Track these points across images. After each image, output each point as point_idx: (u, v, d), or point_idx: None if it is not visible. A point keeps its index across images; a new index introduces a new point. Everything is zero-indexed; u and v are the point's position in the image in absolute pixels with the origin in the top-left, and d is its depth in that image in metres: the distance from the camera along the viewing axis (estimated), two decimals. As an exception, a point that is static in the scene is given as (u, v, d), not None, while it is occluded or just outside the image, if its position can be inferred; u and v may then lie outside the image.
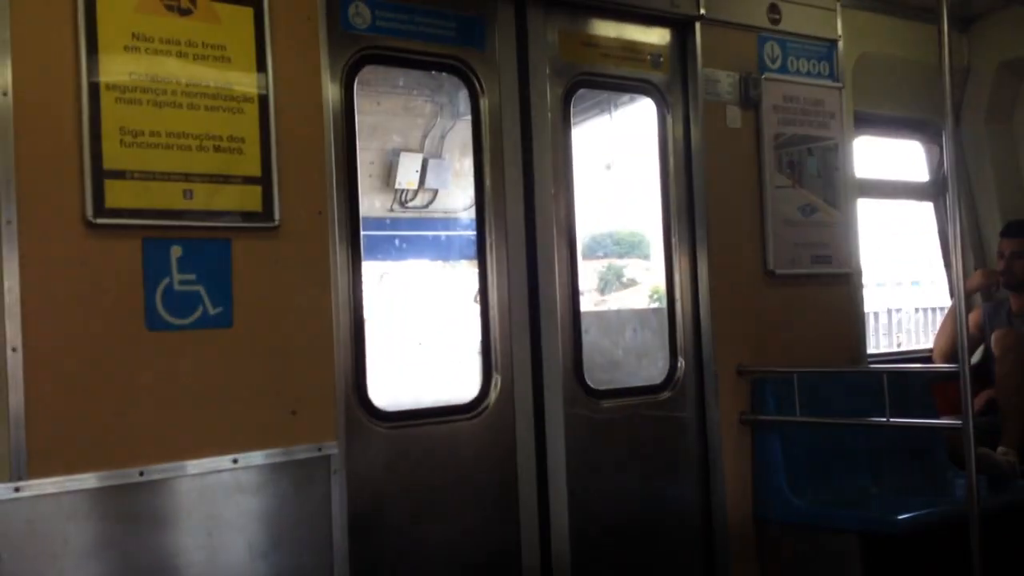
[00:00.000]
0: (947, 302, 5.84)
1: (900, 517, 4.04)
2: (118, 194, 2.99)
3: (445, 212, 10.34)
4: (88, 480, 2.89)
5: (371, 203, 8.23)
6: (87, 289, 2.94)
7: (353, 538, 3.38)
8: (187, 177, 3.12)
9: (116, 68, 3.02)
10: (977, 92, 5.69)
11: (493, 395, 3.91)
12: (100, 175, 2.96)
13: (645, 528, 4.28)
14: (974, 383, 3.63)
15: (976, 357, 5.44)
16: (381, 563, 3.59)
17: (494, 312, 3.95)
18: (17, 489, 2.79)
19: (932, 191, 5.96)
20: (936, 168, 5.91)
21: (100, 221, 2.95)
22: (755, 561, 4.43)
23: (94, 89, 2.98)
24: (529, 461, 3.95)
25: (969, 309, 5.21)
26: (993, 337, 5.01)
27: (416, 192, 9.95)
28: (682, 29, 4.51)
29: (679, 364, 4.43)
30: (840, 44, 4.99)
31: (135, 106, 3.05)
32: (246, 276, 3.21)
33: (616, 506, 4.20)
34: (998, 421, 4.80)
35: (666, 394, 4.40)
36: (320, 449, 3.31)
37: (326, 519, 3.30)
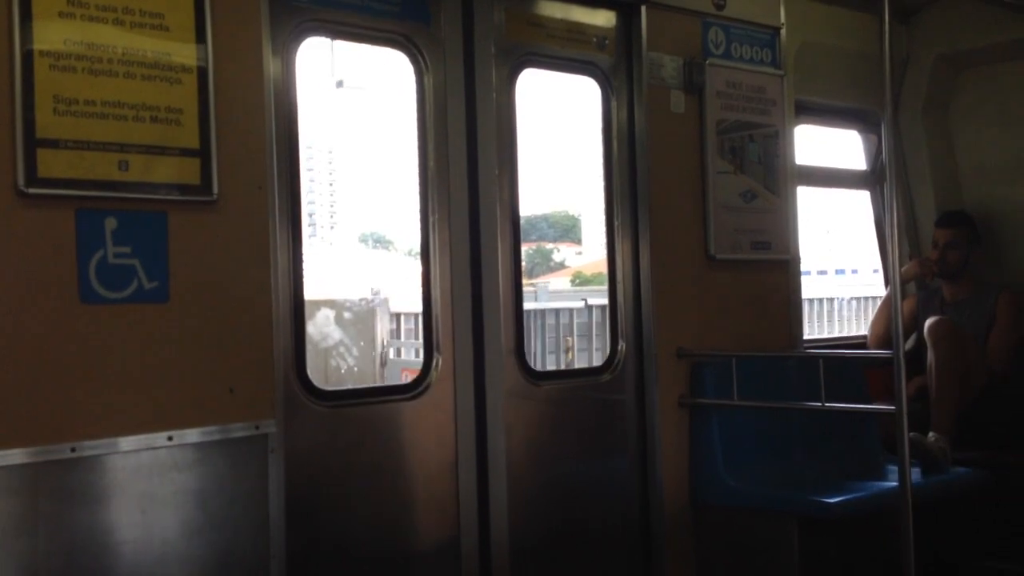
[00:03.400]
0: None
1: (833, 501, 4.10)
2: (51, 163, 2.91)
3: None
4: (16, 455, 2.81)
5: None
6: (18, 260, 2.86)
7: (290, 517, 3.33)
8: (123, 148, 3.04)
9: (50, 35, 2.93)
10: (915, 83, 5.77)
11: (434, 375, 3.88)
12: (32, 144, 2.87)
13: (583, 510, 4.30)
14: (907, 369, 3.69)
15: (909, 344, 5.53)
16: (318, 543, 3.55)
17: (436, 292, 3.92)
18: None
19: (870, 180, 6.05)
20: (874, 157, 5.99)
21: (32, 191, 2.87)
22: (692, 543, 4.46)
23: (27, 56, 2.88)
24: (469, 441, 3.93)
25: (903, 297, 5.29)
26: (926, 325, 5.10)
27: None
28: (627, 12, 4.51)
29: (620, 347, 4.44)
30: (783, 32, 5.02)
31: (69, 74, 2.96)
32: (183, 250, 3.14)
33: (555, 487, 4.21)
34: (929, 408, 4.90)
35: (606, 376, 4.41)
36: (257, 427, 3.26)
37: (263, 498, 3.25)
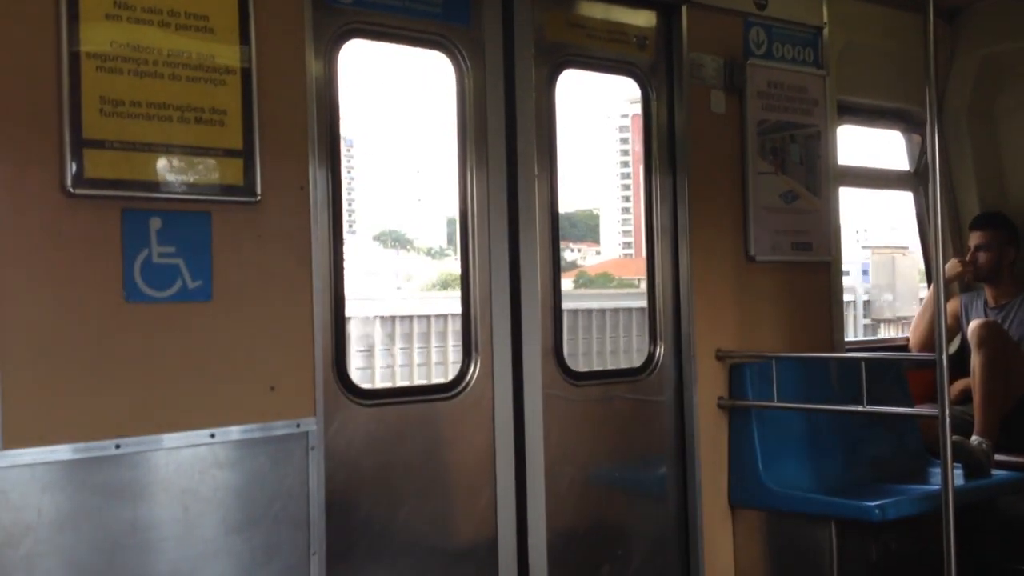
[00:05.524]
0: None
1: (874, 504, 4.06)
2: (97, 164, 2.95)
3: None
4: (63, 452, 2.85)
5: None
6: (65, 260, 2.90)
7: (330, 515, 3.36)
8: (168, 148, 3.08)
9: (97, 36, 2.97)
10: (960, 83, 5.70)
11: (473, 375, 3.89)
12: (79, 144, 2.91)
13: (621, 510, 4.30)
14: (950, 372, 3.65)
15: (953, 347, 5.47)
16: (358, 541, 3.58)
17: (475, 293, 3.93)
18: None
19: (913, 181, 5.98)
20: (918, 158, 5.93)
21: (79, 191, 2.91)
22: (730, 547, 4.45)
23: (74, 57, 2.92)
24: (507, 441, 3.94)
25: (947, 299, 5.23)
26: (970, 328, 5.04)
27: None
28: (668, 12, 4.49)
29: (658, 348, 4.43)
30: (825, 31, 4.99)
31: (116, 75, 3.00)
32: (226, 250, 3.18)
33: (593, 487, 4.22)
34: (972, 410, 4.84)
35: (645, 378, 4.40)
36: (298, 425, 3.29)
37: (303, 496, 3.28)
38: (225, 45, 3.21)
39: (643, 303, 4.54)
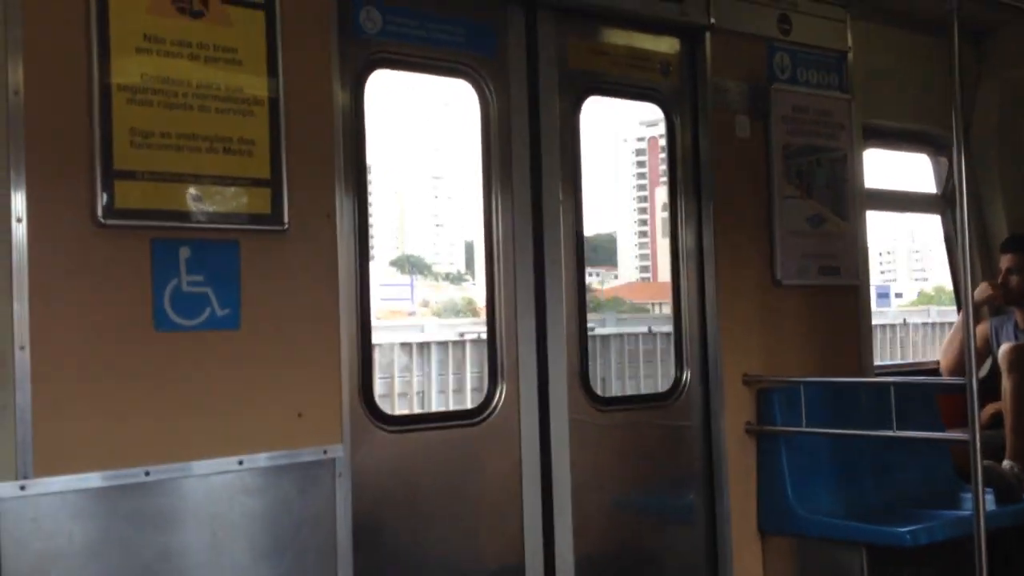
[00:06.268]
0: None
1: (905, 530, 4.03)
2: (128, 195, 2.98)
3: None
4: (93, 479, 2.88)
5: None
6: (96, 289, 2.93)
7: (357, 541, 3.37)
8: (197, 179, 3.11)
9: (128, 69, 3.02)
10: (986, 105, 5.68)
11: (499, 402, 3.90)
12: (110, 175, 2.95)
13: (649, 537, 4.28)
14: (981, 396, 3.62)
15: (984, 371, 5.41)
16: (385, 567, 3.58)
17: (501, 320, 3.94)
18: (23, 487, 2.77)
19: (940, 204, 5.95)
20: (945, 180, 5.90)
21: (110, 222, 2.95)
22: (760, 574, 4.41)
23: (105, 90, 2.97)
24: (534, 467, 3.94)
25: (977, 322, 5.19)
26: (1000, 351, 4.99)
27: None
28: (692, 38, 4.52)
29: (685, 373, 4.42)
30: (850, 55, 4.99)
31: (146, 107, 3.04)
32: (254, 278, 3.20)
33: (620, 513, 4.21)
34: (1003, 435, 4.79)
35: (672, 403, 4.39)
36: (325, 452, 3.31)
37: (330, 522, 3.29)
38: (253, 76, 3.25)
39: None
